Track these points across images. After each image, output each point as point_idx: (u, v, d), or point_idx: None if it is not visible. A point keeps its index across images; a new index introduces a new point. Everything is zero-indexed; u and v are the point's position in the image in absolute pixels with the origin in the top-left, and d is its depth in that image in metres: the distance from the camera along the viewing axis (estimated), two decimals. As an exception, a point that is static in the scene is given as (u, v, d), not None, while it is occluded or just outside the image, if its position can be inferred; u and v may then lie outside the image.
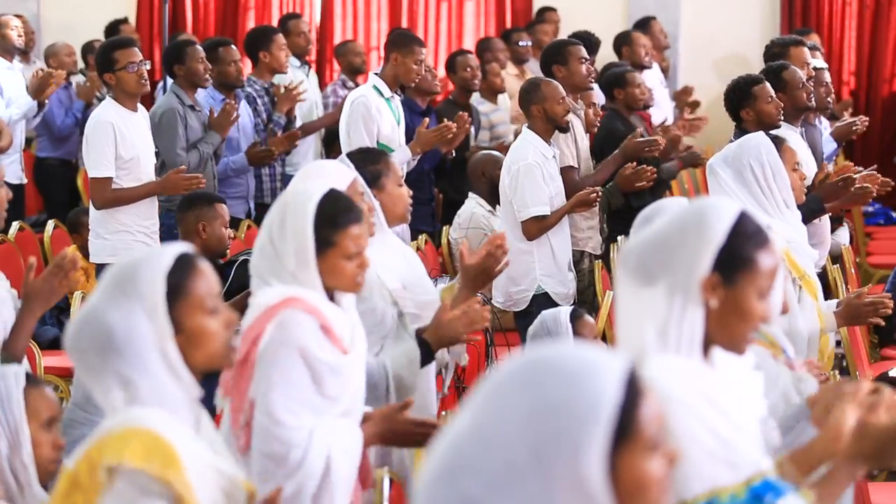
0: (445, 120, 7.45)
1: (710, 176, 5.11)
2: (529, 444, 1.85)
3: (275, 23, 11.31)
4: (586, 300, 6.94)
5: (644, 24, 11.48)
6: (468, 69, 9.13)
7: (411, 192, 4.65)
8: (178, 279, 2.84)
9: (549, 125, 6.80)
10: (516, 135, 7.66)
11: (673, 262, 2.72)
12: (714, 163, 5.11)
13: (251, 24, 12.39)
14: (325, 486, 3.49)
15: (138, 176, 6.76)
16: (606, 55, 10.31)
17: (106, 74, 6.81)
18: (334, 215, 3.58)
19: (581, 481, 1.85)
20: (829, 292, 6.09)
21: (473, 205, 7.70)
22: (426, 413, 4.27)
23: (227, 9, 12.81)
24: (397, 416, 3.73)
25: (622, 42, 10.45)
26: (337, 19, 12.82)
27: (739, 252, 2.73)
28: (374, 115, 7.20)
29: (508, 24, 12.58)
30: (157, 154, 7.09)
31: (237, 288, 5.42)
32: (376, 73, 7.49)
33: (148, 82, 6.91)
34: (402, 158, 7.10)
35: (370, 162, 4.51)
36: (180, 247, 2.91)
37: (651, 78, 10.02)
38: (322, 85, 10.84)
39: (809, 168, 6.34)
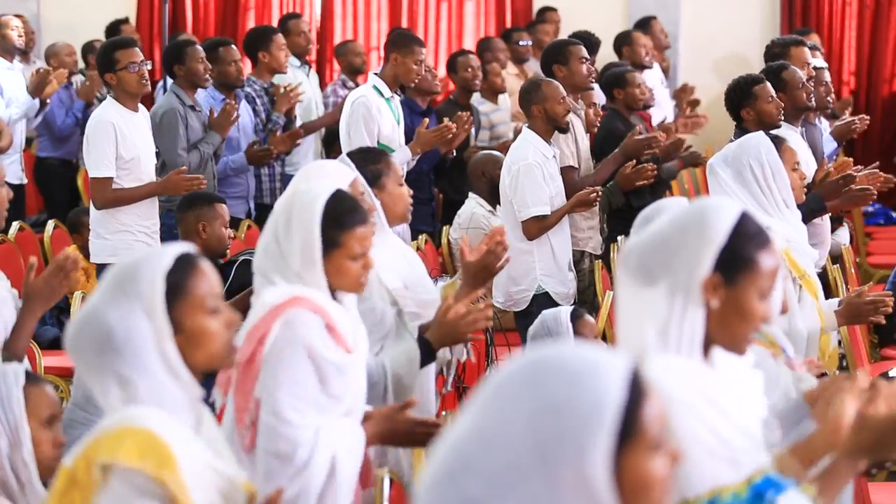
0: (446, 120, 7.45)
1: (710, 176, 5.12)
2: (533, 444, 1.85)
3: (275, 23, 11.31)
4: (586, 300, 6.94)
5: (644, 24, 11.48)
6: (469, 69, 9.12)
7: (412, 192, 4.65)
8: (179, 279, 2.83)
9: (550, 125, 6.79)
10: (516, 134, 7.65)
11: (674, 262, 2.71)
12: (714, 162, 5.11)
13: (251, 24, 12.38)
14: (330, 485, 3.49)
15: (139, 176, 6.75)
16: (607, 55, 10.30)
17: (107, 74, 6.80)
18: (341, 216, 3.58)
19: (585, 481, 1.85)
20: (829, 292, 6.08)
21: (473, 205, 7.69)
22: (425, 412, 4.27)
23: (227, 9, 12.81)
24: (398, 415, 3.73)
25: (622, 42, 10.44)
26: (337, 19, 12.82)
27: (740, 252, 2.73)
28: (375, 115, 7.19)
29: (509, 24, 12.58)
30: (157, 154, 7.08)
31: (237, 288, 5.42)
32: (376, 73, 7.48)
33: (149, 82, 6.91)
34: (403, 158, 7.09)
35: (371, 161, 4.51)
36: (181, 247, 2.90)
37: (651, 78, 10.01)
38: (322, 85, 10.83)
39: (809, 168, 6.34)
